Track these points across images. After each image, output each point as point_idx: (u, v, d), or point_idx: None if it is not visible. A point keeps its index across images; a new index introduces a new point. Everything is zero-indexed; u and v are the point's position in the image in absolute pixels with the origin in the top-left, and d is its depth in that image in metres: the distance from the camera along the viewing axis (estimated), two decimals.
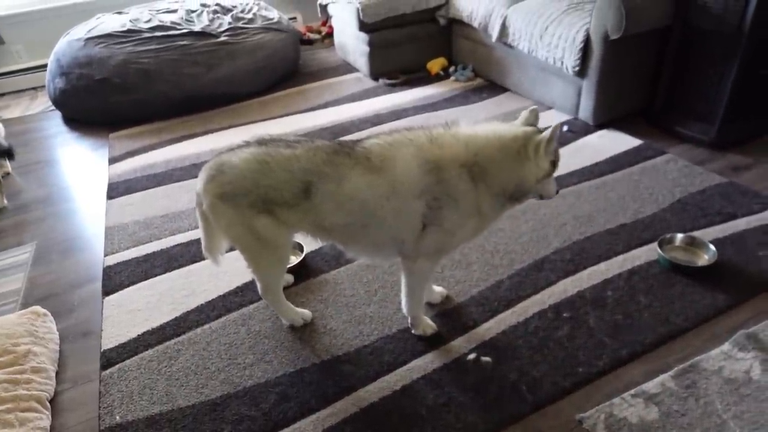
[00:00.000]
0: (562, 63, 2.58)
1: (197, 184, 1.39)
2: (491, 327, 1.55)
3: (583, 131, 2.63)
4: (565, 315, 1.57)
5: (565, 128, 2.66)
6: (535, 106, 1.37)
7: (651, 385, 1.35)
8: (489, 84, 3.28)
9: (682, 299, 1.59)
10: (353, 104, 3.19)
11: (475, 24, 3.14)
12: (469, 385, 1.39)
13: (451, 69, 3.45)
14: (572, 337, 1.50)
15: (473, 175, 1.25)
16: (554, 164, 1.31)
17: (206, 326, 1.66)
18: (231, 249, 1.57)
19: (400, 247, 1.36)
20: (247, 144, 1.35)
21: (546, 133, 1.25)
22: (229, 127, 3.03)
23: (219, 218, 1.36)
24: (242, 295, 1.77)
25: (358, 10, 3.22)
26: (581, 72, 2.53)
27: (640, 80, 2.59)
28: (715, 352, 1.42)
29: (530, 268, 1.76)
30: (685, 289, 1.62)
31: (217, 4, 3.61)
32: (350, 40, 3.65)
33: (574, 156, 2.40)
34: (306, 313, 1.62)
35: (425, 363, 1.46)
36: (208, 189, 1.34)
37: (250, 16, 3.56)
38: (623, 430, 1.25)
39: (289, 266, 1.72)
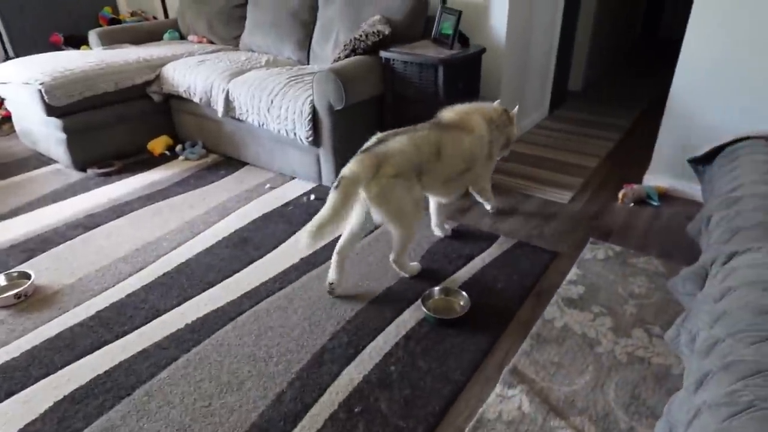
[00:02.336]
0: (295, 134, 2.64)
1: (360, 176, 1.72)
2: None
3: None
4: (356, 410, 1.50)
5: (312, 197, 2.71)
6: (498, 100, 2.31)
7: None
8: (225, 160, 3.15)
9: (453, 352, 1.70)
10: (55, 206, 2.62)
11: (196, 99, 2.99)
12: None
13: (178, 147, 3.20)
14: None
15: (497, 129, 2.20)
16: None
17: None
18: None
19: (474, 181, 2.29)
20: (381, 140, 1.85)
21: (515, 110, 2.32)
22: None
23: (392, 192, 1.78)
24: None
25: (41, 92, 2.70)
26: (315, 141, 2.63)
27: None
28: (491, 399, 1.55)
29: (311, 365, 1.65)
30: (454, 341, 1.75)
31: None
32: (37, 127, 3.04)
33: None
34: (417, 265, 2.10)
35: None
36: (384, 173, 1.75)
37: None
38: None
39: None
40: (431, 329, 1.80)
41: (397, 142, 1.82)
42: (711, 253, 1.32)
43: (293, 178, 2.92)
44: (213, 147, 3.20)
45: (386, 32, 2.60)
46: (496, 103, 2.26)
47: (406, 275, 2.06)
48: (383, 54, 2.57)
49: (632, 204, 2.61)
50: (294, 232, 2.38)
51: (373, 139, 1.85)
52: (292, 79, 2.75)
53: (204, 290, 2.00)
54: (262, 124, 2.75)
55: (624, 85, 4.93)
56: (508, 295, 1.96)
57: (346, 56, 2.63)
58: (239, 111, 2.81)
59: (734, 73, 2.32)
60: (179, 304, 1.92)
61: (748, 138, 1.88)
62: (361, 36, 2.59)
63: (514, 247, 2.26)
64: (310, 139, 2.60)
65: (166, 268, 2.12)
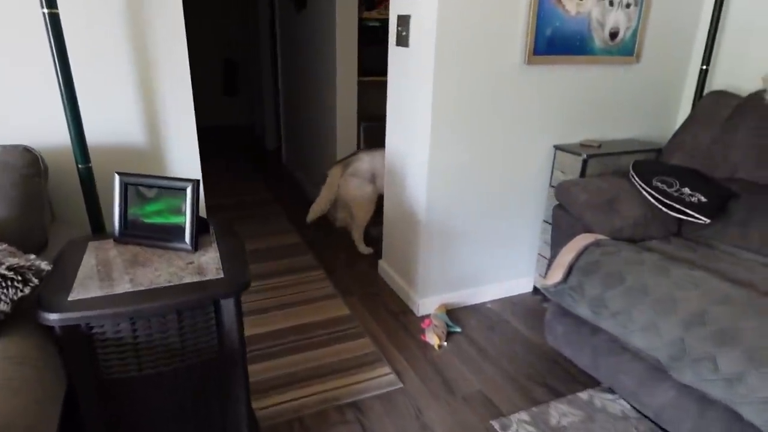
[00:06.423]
0: None
1: (336, 174, 3.07)
2: None
3: None
4: None
5: None
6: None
7: None
8: None
9: None
10: None
11: None
12: None
13: None
14: None
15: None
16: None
17: None
18: None
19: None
20: (356, 154, 3.07)
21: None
22: None
23: (348, 185, 3.02)
24: None
25: None
26: None
27: None
28: None
29: None
30: None
31: None
32: None
33: None
34: (370, 249, 3.17)
35: None
36: (347, 173, 3.02)
37: None
38: None
39: None
40: None
41: (361, 158, 3.02)
42: None
43: None
44: None
45: (43, 268, 1.16)
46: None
47: (362, 251, 3.14)
48: (61, 317, 1.13)
49: (445, 343, 2.29)
50: None
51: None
52: None
53: None
54: None
55: (221, 183, 4.50)
56: None
57: None
58: None
59: (472, 183, 2.35)
60: None
61: (586, 248, 1.89)
62: None
63: None
64: None
65: None
